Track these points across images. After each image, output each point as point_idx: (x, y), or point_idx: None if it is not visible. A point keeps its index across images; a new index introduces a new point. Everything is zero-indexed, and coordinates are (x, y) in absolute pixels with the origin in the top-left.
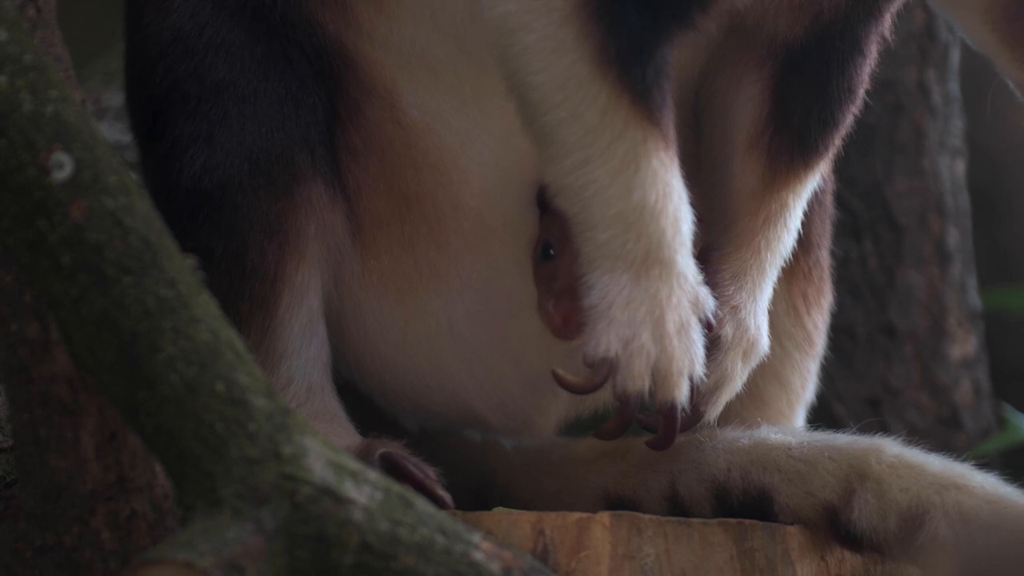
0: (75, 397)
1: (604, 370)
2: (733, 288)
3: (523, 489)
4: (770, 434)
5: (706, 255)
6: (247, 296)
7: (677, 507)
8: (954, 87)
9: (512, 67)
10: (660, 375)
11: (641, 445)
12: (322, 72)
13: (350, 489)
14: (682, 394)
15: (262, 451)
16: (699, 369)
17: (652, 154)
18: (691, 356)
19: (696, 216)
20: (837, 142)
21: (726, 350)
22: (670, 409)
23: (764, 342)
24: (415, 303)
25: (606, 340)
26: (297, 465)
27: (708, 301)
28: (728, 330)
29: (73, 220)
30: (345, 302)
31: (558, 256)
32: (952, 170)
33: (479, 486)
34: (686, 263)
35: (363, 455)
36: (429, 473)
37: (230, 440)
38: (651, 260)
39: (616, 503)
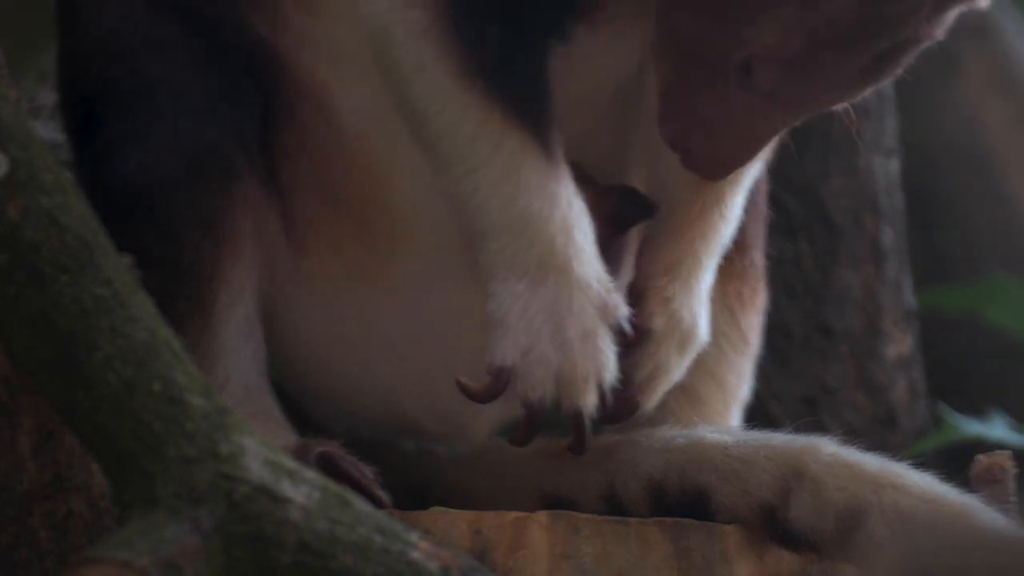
0: (12, 396)
1: (503, 379)
2: (666, 279)
3: (459, 490)
4: (707, 433)
5: (642, 247)
6: (184, 295)
7: (615, 506)
8: (888, 86)
9: (389, 81)
10: (564, 383)
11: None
12: (256, 72)
13: (287, 488)
14: (589, 401)
15: (199, 450)
16: (608, 376)
17: (532, 162)
18: (598, 363)
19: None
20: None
21: (659, 341)
22: (578, 416)
23: (701, 332)
24: (345, 304)
25: (502, 349)
26: (234, 464)
27: (620, 308)
28: (659, 322)
29: (9, 219)
30: (278, 302)
31: None
32: (887, 169)
33: (416, 487)
34: (586, 269)
35: (300, 454)
36: (366, 472)
37: (168, 439)
38: (545, 268)
39: (554, 502)
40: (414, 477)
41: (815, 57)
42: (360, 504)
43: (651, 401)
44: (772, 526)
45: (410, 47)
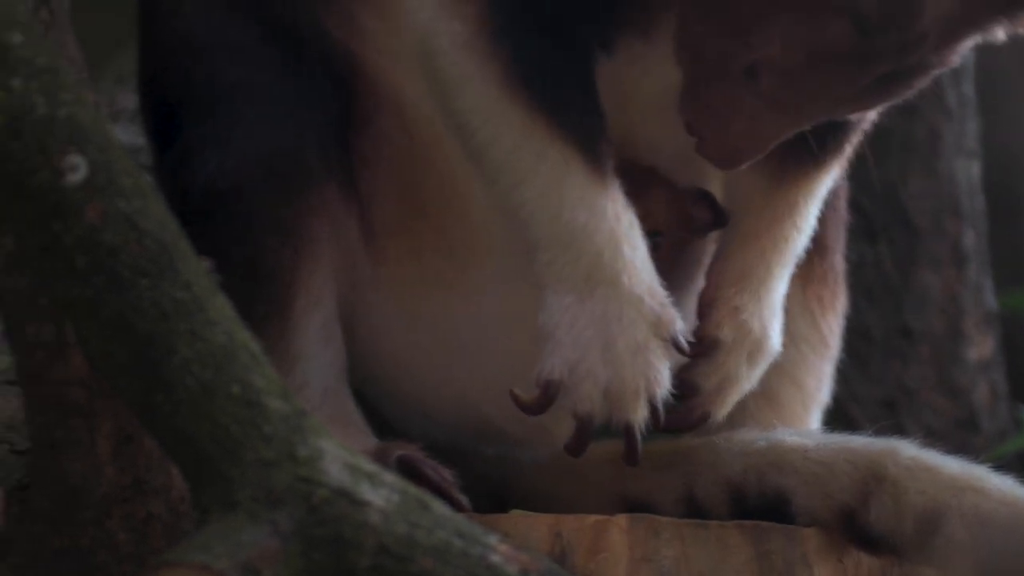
0: (91, 400)
1: (552, 392)
2: (735, 289)
3: (541, 494)
4: (786, 436)
5: (714, 257)
6: (263, 299)
7: (693, 509)
8: (969, 89)
9: (434, 92)
10: (613, 397)
11: (657, 448)
12: (333, 76)
13: (366, 491)
14: (638, 416)
15: (278, 453)
16: (660, 391)
17: (577, 174)
18: (648, 377)
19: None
20: (852, 141)
21: (727, 352)
22: (628, 429)
23: (772, 342)
24: (424, 310)
25: (551, 363)
26: (313, 467)
27: (675, 322)
28: (727, 332)
29: (88, 222)
30: (357, 308)
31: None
32: (968, 172)
33: (497, 491)
34: (636, 283)
35: (380, 457)
36: (446, 476)
37: (246, 442)
38: (593, 281)
39: (633, 505)
40: (494, 481)
41: (815, 71)
42: (439, 507)
43: (721, 411)
44: (851, 529)
45: (454, 58)
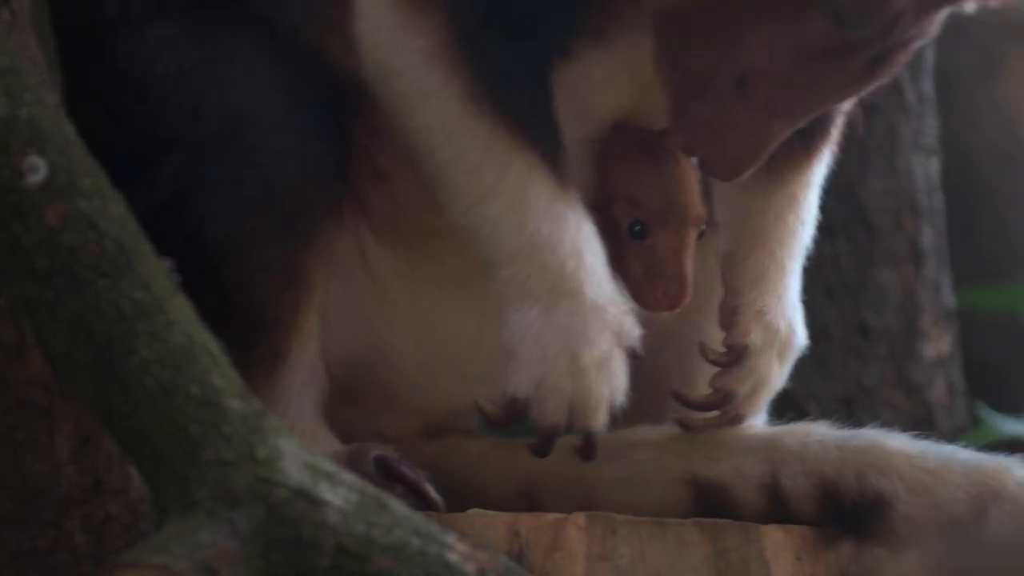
0: (51, 401)
1: (518, 408)
2: (755, 293)
3: (573, 480)
4: (884, 438)
5: (725, 263)
6: (258, 342)
7: (776, 499)
8: (927, 86)
9: (392, 113)
10: (578, 409)
11: (727, 432)
12: (337, 107)
13: (325, 491)
14: (599, 423)
15: (237, 454)
16: (620, 397)
17: (540, 185)
18: (612, 387)
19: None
20: (838, 124)
21: (758, 355)
22: (590, 436)
23: (799, 337)
24: (425, 335)
25: (516, 379)
26: (272, 467)
27: (634, 331)
28: (756, 336)
29: (48, 224)
30: (360, 338)
31: (650, 234)
32: (926, 169)
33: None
34: (599, 293)
35: (357, 457)
36: (421, 475)
37: (205, 443)
38: (558, 292)
39: (706, 488)
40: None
41: (804, 70)
42: (397, 507)
43: (755, 413)
44: None
45: (416, 75)
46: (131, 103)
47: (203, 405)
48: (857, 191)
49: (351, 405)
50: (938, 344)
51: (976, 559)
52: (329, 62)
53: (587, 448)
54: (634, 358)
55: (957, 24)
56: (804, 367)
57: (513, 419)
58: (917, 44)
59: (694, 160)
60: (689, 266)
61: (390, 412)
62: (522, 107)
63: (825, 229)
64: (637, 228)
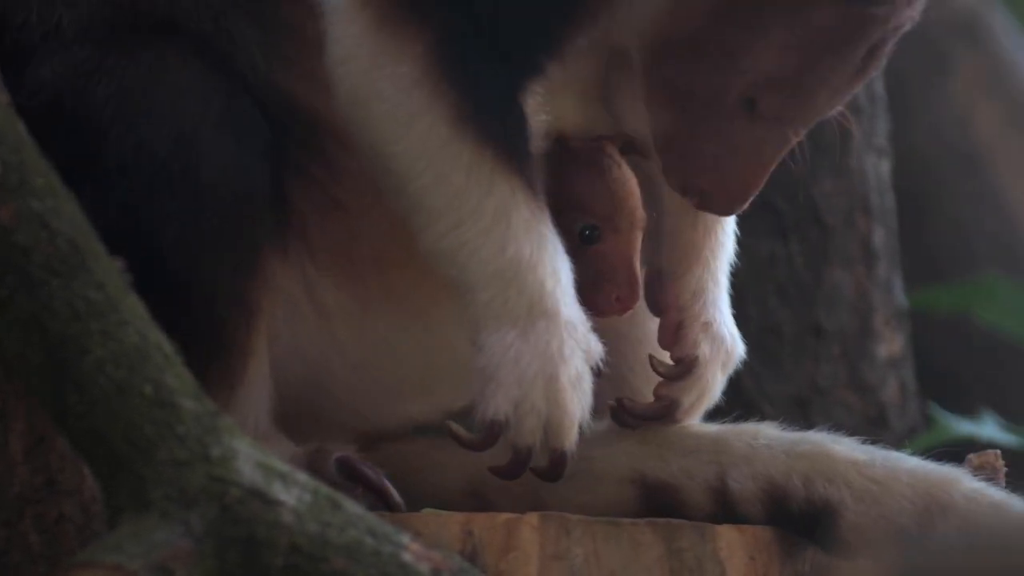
0: (3, 400)
1: (496, 431)
2: (698, 306)
3: (522, 479)
4: (830, 443)
5: (658, 280)
6: (215, 365)
7: (723, 501)
8: (879, 87)
9: (370, 139)
10: (553, 429)
11: (676, 431)
12: (292, 136)
13: (279, 491)
14: (571, 442)
15: (191, 453)
16: (588, 414)
17: (522, 205)
18: (584, 406)
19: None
20: None
21: (705, 365)
22: (561, 455)
23: (739, 347)
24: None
25: (494, 403)
26: (226, 467)
27: (598, 348)
28: (705, 348)
29: (1, 223)
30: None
31: (602, 239)
32: (878, 169)
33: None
34: (572, 312)
35: (317, 458)
36: (382, 475)
37: (159, 442)
38: (535, 313)
39: (655, 488)
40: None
41: (813, 68)
42: (351, 506)
43: (695, 419)
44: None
45: (398, 101)
46: (59, 123)
47: (157, 405)
48: (809, 191)
49: (291, 425)
50: (891, 344)
51: (925, 565)
52: (279, 92)
53: (556, 467)
54: (597, 375)
55: None
56: (758, 367)
57: (492, 443)
58: (904, 29)
59: (689, 199)
60: (638, 269)
61: (325, 434)
62: (504, 129)
63: (778, 230)
64: (588, 233)
